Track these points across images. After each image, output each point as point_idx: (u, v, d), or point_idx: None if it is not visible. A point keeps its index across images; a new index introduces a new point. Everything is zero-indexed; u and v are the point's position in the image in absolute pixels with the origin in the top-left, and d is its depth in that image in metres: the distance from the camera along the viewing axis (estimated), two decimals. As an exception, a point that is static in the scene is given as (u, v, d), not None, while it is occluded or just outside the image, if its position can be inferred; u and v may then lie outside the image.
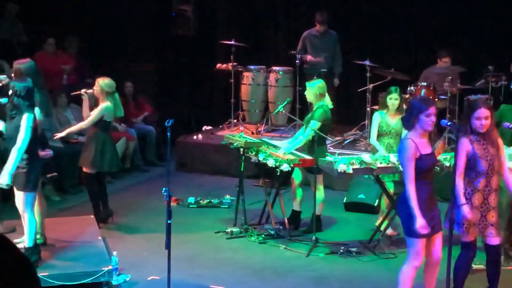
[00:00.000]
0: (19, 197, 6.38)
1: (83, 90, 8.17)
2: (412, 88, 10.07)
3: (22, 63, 6.90)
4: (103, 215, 8.31)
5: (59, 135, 8.17)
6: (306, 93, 8.19)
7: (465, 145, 5.61)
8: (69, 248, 6.99)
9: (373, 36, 12.18)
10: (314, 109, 8.05)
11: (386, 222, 7.78)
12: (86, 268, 6.37)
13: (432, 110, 5.45)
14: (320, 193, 7.99)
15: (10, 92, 6.32)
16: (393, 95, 7.92)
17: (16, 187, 6.39)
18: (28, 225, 6.35)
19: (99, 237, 7.32)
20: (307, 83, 8.28)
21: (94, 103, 8.40)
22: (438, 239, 5.65)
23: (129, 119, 11.38)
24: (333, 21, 11.21)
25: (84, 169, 8.21)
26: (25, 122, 6.21)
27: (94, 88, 8.16)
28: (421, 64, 11.08)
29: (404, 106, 8.67)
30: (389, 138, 7.90)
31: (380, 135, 7.94)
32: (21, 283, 1.25)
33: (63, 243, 7.11)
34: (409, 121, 5.52)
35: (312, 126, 7.80)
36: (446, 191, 6.24)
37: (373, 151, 8.11)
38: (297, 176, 8.17)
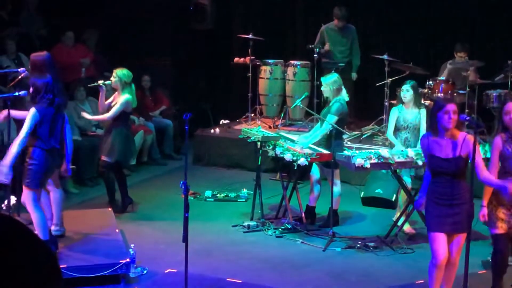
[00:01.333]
0: (24, 192, 6.45)
1: (100, 82, 8.24)
2: (431, 82, 10.02)
3: (38, 56, 6.95)
4: (123, 204, 8.42)
5: (85, 115, 8.44)
6: (322, 88, 8.15)
7: (498, 144, 5.60)
8: (87, 240, 7.03)
9: (392, 30, 12.12)
10: (331, 103, 8.01)
11: (403, 217, 7.75)
12: (104, 261, 6.41)
13: (450, 107, 5.36)
14: (337, 187, 7.98)
15: (31, 89, 6.38)
16: (404, 86, 7.90)
17: (23, 182, 6.47)
18: (35, 220, 6.40)
19: (117, 230, 7.35)
20: (322, 79, 8.25)
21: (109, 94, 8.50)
22: (456, 239, 5.53)
23: (147, 113, 11.42)
24: (351, 15, 11.17)
25: (103, 158, 8.29)
26: (29, 116, 6.29)
27: (112, 79, 8.24)
28: (440, 58, 11.02)
29: (422, 101, 8.64)
30: (407, 133, 7.88)
31: (397, 130, 7.92)
32: (45, 275, 1.26)
33: (81, 236, 7.16)
34: (430, 123, 5.48)
35: (329, 120, 7.78)
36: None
37: (391, 145, 8.09)
38: (316, 173, 8.16)
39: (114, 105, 8.23)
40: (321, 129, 7.99)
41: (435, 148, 5.43)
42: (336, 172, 7.87)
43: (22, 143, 6.30)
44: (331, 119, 7.78)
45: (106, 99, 8.39)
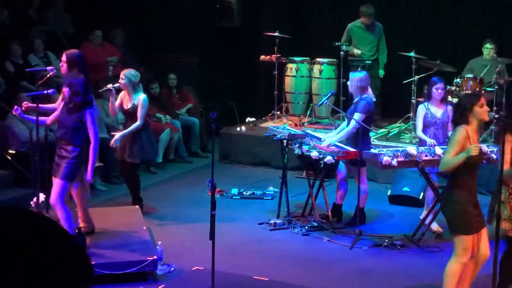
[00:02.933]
0: (56, 185, 6.50)
1: (109, 85, 8.16)
2: (458, 80, 9.94)
3: (74, 54, 7.03)
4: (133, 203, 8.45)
5: (114, 139, 8.18)
6: (349, 83, 8.11)
7: (510, 139, 5.58)
8: (115, 237, 7.08)
9: (419, 27, 12.05)
10: (356, 101, 7.96)
11: (431, 216, 7.69)
12: (131, 258, 6.45)
13: (483, 99, 5.44)
14: (364, 185, 7.94)
15: (68, 90, 6.46)
16: (440, 85, 7.85)
17: (57, 175, 6.52)
18: (61, 215, 6.47)
19: (144, 227, 7.39)
20: (350, 74, 8.22)
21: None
22: (484, 234, 5.55)
23: (173, 111, 11.46)
24: (378, 12, 11.11)
25: (129, 160, 8.26)
26: (90, 117, 6.45)
27: (120, 80, 8.16)
28: (467, 56, 10.92)
29: (449, 98, 8.59)
30: (435, 129, 7.82)
31: (426, 126, 7.85)
32: (77, 272, 1.27)
33: (108, 233, 7.20)
34: (462, 117, 5.42)
35: (356, 118, 7.75)
36: (491, 184, 6.15)
37: (419, 143, 8.00)
38: (342, 170, 8.13)
39: (129, 108, 8.16)
40: (348, 127, 7.96)
41: (474, 142, 5.41)
42: (362, 170, 7.83)
43: (97, 145, 6.58)
44: (358, 117, 7.75)
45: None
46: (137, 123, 8.10)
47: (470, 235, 5.43)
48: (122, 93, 8.29)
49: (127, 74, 8.15)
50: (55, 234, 1.28)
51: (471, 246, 5.47)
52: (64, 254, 1.25)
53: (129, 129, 8.21)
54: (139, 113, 8.08)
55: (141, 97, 8.14)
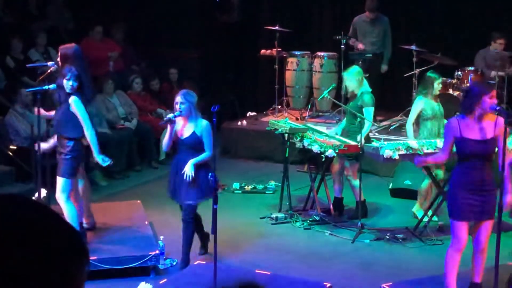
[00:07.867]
0: (58, 183, 6.49)
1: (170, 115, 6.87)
2: (459, 73, 9.92)
3: (68, 48, 7.00)
4: None
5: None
6: (346, 83, 8.04)
7: None
8: (117, 232, 7.09)
9: (420, 20, 12.03)
10: (359, 95, 7.93)
11: (431, 212, 7.69)
12: (134, 252, 6.46)
13: (494, 92, 5.44)
14: (356, 180, 7.89)
15: (62, 81, 6.42)
16: (440, 80, 7.86)
17: (57, 172, 6.50)
18: (66, 211, 6.46)
19: (146, 222, 7.40)
20: (345, 73, 8.11)
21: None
22: (484, 226, 5.52)
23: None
24: (380, 5, 11.08)
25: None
26: (76, 104, 6.34)
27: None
28: (468, 48, 10.89)
29: (451, 91, 8.58)
30: (434, 122, 7.80)
31: (425, 119, 7.83)
32: (69, 251, 1.24)
33: (111, 228, 7.22)
34: (468, 106, 5.42)
35: (368, 112, 7.74)
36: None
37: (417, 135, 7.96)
38: (337, 163, 8.11)
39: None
40: (366, 127, 7.81)
41: (468, 131, 5.39)
42: (356, 165, 7.81)
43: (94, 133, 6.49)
44: (371, 111, 7.75)
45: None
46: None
47: (460, 221, 5.42)
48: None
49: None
50: (39, 214, 1.24)
51: (463, 234, 5.44)
52: (52, 234, 1.22)
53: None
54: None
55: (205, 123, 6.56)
